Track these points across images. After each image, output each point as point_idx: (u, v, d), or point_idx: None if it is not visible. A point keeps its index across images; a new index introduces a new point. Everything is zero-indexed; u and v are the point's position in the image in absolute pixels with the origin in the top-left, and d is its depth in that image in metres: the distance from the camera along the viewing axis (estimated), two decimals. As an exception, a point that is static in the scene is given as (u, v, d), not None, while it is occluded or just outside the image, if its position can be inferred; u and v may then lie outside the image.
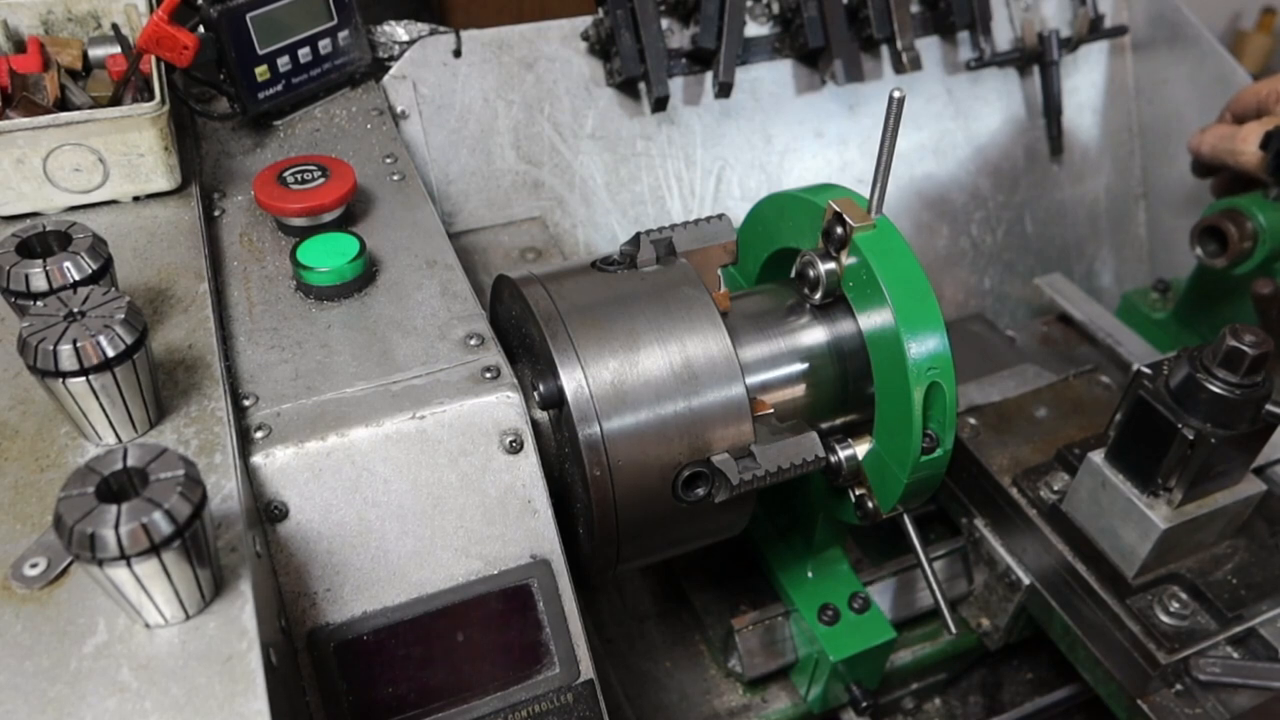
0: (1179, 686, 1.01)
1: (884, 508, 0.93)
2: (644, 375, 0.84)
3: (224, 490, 0.69)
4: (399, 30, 1.34)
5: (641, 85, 1.45)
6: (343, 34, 1.17)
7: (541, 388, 0.84)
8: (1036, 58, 1.65)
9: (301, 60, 1.13)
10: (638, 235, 0.91)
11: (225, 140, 1.12)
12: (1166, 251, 1.78)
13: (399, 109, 1.31)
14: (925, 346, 0.85)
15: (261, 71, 1.09)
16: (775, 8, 1.49)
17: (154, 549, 0.56)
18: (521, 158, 1.41)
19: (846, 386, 0.95)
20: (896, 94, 0.80)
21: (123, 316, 0.67)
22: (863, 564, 1.25)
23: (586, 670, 0.83)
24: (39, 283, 0.73)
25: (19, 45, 1.05)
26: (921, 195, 1.66)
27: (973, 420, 1.23)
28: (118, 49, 1.05)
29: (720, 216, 0.95)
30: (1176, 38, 1.68)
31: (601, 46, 1.40)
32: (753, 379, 0.91)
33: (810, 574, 1.15)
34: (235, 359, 0.84)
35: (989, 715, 1.29)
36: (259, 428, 0.77)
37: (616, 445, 0.83)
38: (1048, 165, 1.74)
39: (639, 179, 1.49)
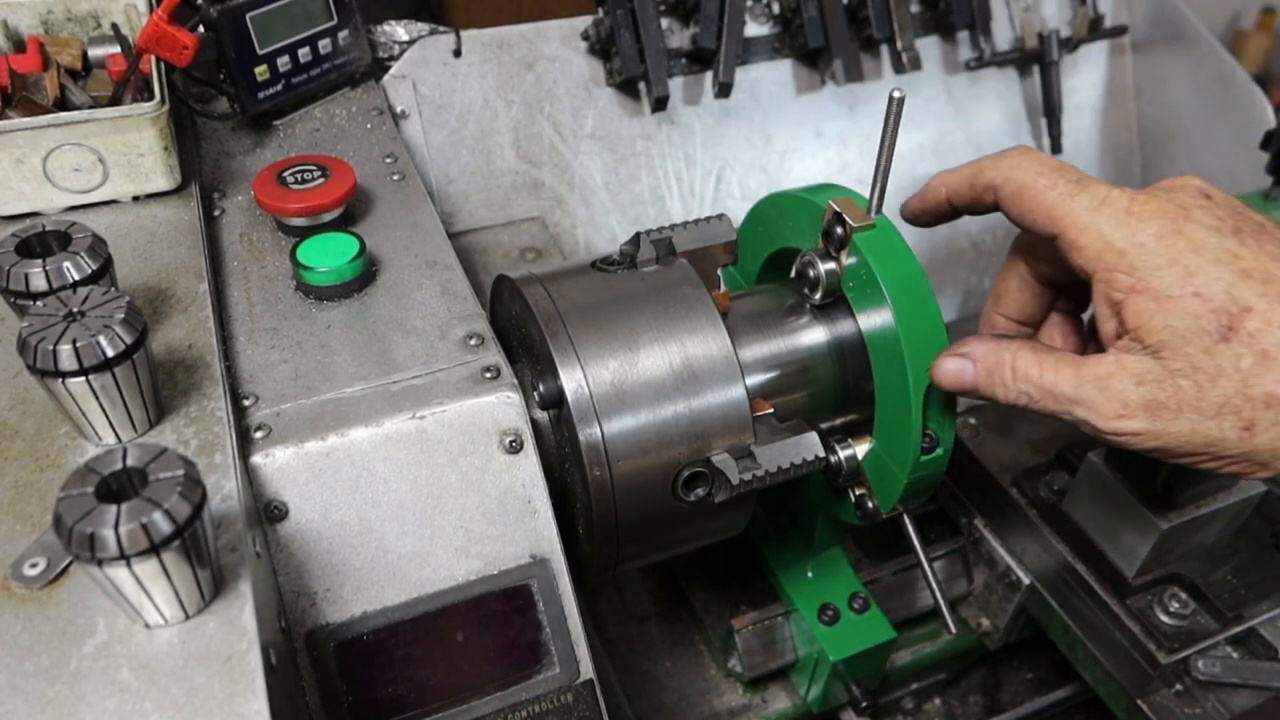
0: (1179, 686, 1.01)
1: (884, 508, 0.93)
2: (644, 375, 0.84)
3: (224, 490, 0.69)
4: (399, 30, 1.34)
5: (641, 85, 1.45)
6: (343, 34, 1.17)
7: (541, 388, 0.84)
8: (1036, 58, 1.65)
9: (301, 60, 1.13)
10: (638, 235, 0.91)
11: (225, 140, 1.12)
12: (1166, 251, 1.78)
13: (399, 109, 1.31)
14: (925, 346, 0.85)
15: (261, 71, 1.09)
16: (775, 8, 1.49)
17: (154, 549, 0.56)
18: (521, 158, 1.41)
19: (846, 386, 0.95)
20: (896, 94, 0.80)
21: (122, 316, 0.67)
22: (863, 564, 1.25)
23: (586, 670, 0.82)
24: (39, 283, 0.73)
25: (19, 45, 1.04)
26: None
27: (973, 420, 1.22)
28: (117, 49, 1.05)
29: (720, 216, 0.95)
30: (1176, 38, 1.68)
31: (601, 46, 1.40)
32: (752, 379, 0.91)
33: (810, 574, 1.15)
34: (235, 359, 0.84)
35: (989, 715, 1.29)
36: (259, 428, 0.77)
37: (616, 445, 0.83)
38: (1048, 165, 1.74)
39: (639, 179, 1.49)
